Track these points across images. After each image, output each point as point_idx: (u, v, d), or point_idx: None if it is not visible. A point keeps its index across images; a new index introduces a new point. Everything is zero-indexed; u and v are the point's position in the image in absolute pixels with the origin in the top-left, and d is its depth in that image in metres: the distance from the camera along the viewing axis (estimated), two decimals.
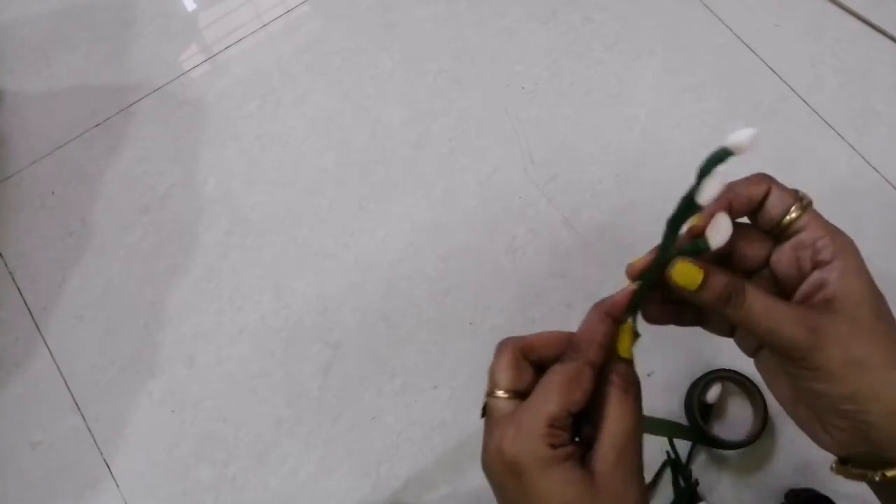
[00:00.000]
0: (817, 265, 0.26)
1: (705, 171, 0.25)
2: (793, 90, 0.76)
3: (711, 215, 0.27)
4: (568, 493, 0.25)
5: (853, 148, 0.73)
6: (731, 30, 0.80)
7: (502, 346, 0.31)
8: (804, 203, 0.27)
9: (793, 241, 0.27)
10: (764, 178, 0.29)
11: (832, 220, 0.27)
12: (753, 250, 0.29)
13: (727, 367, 0.61)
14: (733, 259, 0.29)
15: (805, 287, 0.27)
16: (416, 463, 0.61)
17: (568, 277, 0.68)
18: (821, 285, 0.26)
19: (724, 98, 0.76)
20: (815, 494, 0.58)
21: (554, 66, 0.79)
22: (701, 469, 0.60)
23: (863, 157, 0.73)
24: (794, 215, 0.27)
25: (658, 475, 0.60)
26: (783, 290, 0.28)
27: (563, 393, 0.27)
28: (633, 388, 0.28)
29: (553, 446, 0.26)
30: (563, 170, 0.73)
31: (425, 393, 0.64)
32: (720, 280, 0.26)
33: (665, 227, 0.27)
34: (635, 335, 0.30)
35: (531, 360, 0.31)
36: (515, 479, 0.26)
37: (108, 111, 0.77)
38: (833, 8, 0.81)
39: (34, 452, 0.62)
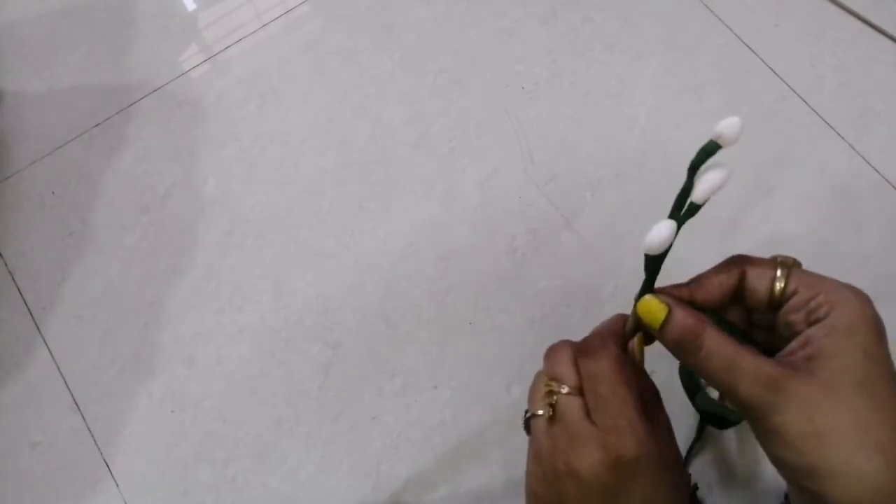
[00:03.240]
0: (812, 324, 0.24)
1: (696, 165, 0.24)
2: (793, 90, 0.76)
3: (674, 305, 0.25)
4: (672, 497, 0.25)
5: (853, 148, 0.73)
6: (731, 30, 0.80)
7: (556, 347, 0.29)
8: (788, 266, 0.25)
9: (786, 306, 0.25)
10: (736, 262, 0.26)
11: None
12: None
13: None
14: (746, 296, 0.27)
15: (793, 344, 0.24)
16: (416, 463, 0.61)
17: (568, 277, 0.68)
18: (806, 342, 0.24)
19: (724, 98, 0.76)
20: None
21: (554, 66, 0.79)
22: (700, 469, 0.60)
23: (863, 157, 0.73)
24: (780, 284, 0.25)
25: None
26: (783, 344, 0.26)
27: (628, 383, 0.26)
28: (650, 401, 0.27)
29: (656, 438, 0.25)
30: (563, 170, 0.73)
31: (425, 393, 0.64)
32: (679, 321, 0.24)
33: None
34: (645, 342, 0.29)
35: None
36: (625, 482, 0.24)
37: (108, 111, 0.77)
38: (833, 8, 0.81)
39: (34, 452, 0.62)
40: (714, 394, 0.59)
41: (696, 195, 0.24)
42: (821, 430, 0.21)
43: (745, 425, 0.62)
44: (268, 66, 0.79)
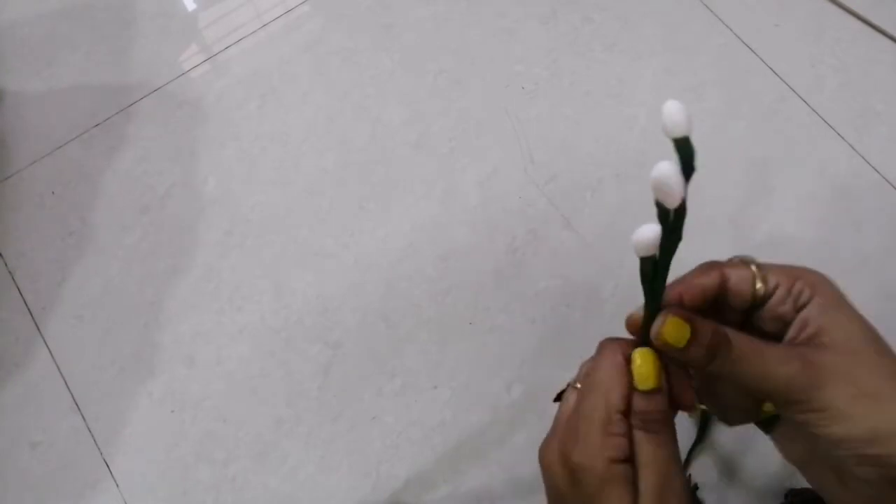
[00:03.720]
0: (800, 310, 0.24)
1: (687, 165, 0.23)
2: (793, 90, 0.76)
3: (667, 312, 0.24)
4: None
5: (853, 148, 0.73)
6: (731, 30, 0.80)
7: (605, 345, 0.28)
8: (758, 264, 0.25)
9: (770, 302, 0.25)
10: (712, 266, 0.26)
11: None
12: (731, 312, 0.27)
13: None
14: (729, 299, 0.27)
15: (790, 332, 0.24)
16: (416, 463, 0.61)
17: (568, 277, 0.68)
18: (804, 324, 0.24)
19: (724, 98, 0.76)
20: (815, 494, 0.58)
21: (554, 66, 0.79)
22: (700, 470, 0.60)
23: (863, 157, 0.73)
24: (760, 284, 0.25)
25: None
26: (775, 337, 0.26)
27: (605, 391, 0.25)
28: (659, 424, 0.25)
29: (612, 460, 0.24)
30: (563, 170, 0.73)
31: (425, 393, 0.64)
32: (707, 330, 0.24)
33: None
34: (657, 361, 0.26)
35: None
36: (572, 485, 0.25)
37: (108, 111, 0.77)
38: (833, 8, 0.81)
39: (34, 452, 0.62)
40: None
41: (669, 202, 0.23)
42: (867, 391, 0.21)
43: (742, 427, 0.62)
44: (268, 66, 0.79)
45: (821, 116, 0.75)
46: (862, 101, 0.76)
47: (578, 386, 0.27)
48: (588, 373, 0.27)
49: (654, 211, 0.26)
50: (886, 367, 0.22)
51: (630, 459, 0.25)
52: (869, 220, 0.70)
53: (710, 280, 0.26)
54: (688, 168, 0.22)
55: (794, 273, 0.25)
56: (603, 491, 0.24)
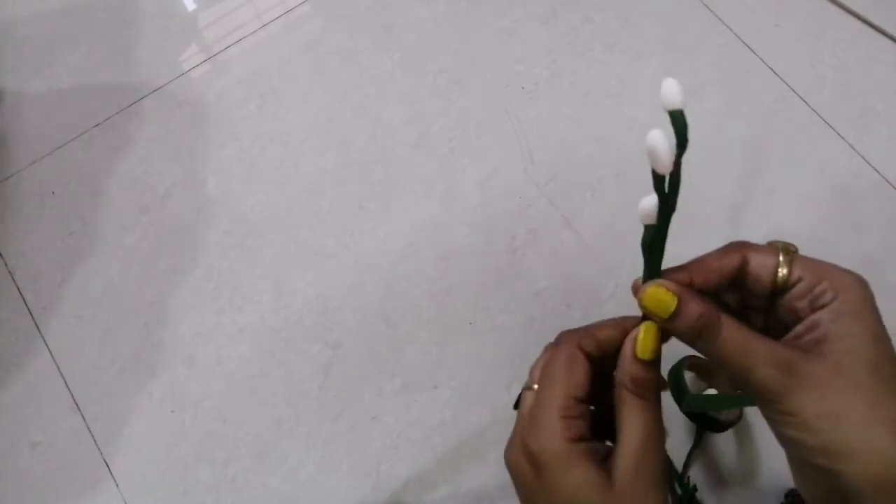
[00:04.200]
0: (817, 310, 0.24)
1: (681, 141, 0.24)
2: (793, 90, 0.76)
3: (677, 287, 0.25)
4: (584, 496, 0.24)
5: (853, 148, 0.73)
6: (731, 30, 0.80)
7: (561, 337, 0.30)
8: (790, 254, 0.25)
9: (789, 294, 0.25)
10: (736, 248, 0.26)
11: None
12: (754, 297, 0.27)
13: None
14: (748, 283, 0.27)
15: (798, 328, 0.24)
16: (416, 463, 0.61)
17: (568, 277, 0.68)
18: (813, 326, 0.24)
19: (724, 98, 0.76)
20: None
21: (554, 66, 0.79)
22: (699, 470, 0.60)
23: (863, 157, 0.73)
24: (784, 271, 0.25)
25: None
26: (785, 330, 0.26)
27: (563, 379, 0.26)
28: (650, 392, 0.26)
29: (571, 440, 0.25)
30: (563, 170, 0.73)
31: (425, 393, 0.64)
32: (694, 310, 0.24)
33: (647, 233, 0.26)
34: (663, 337, 0.27)
35: (590, 353, 0.29)
36: (536, 473, 0.26)
37: (108, 111, 0.77)
38: (833, 8, 0.81)
39: (34, 452, 0.62)
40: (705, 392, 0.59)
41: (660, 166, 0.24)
42: (835, 410, 0.22)
43: (740, 427, 0.62)
44: (268, 66, 0.79)
45: (821, 116, 0.75)
46: (862, 101, 0.76)
47: (535, 387, 0.28)
48: (544, 367, 0.28)
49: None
50: (867, 390, 0.22)
51: (591, 440, 0.26)
52: (869, 220, 0.70)
53: (730, 262, 0.26)
54: (682, 140, 0.23)
55: (825, 271, 0.24)
56: (566, 470, 0.25)
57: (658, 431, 0.25)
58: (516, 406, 0.30)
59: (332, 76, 0.79)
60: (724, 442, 0.61)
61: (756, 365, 0.23)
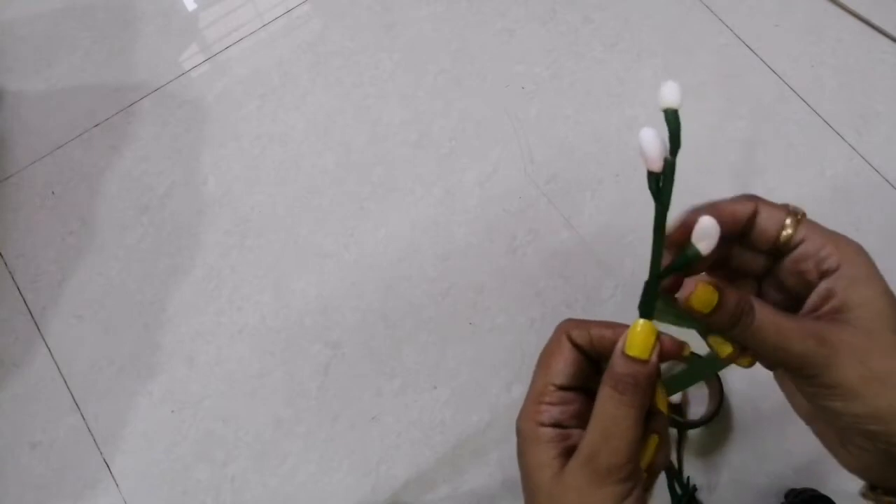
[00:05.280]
0: (824, 275, 0.24)
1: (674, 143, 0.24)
2: (793, 90, 0.76)
3: (691, 224, 0.25)
4: (537, 476, 0.26)
5: (853, 148, 0.73)
6: (731, 30, 0.80)
7: (559, 325, 0.30)
8: (798, 216, 0.25)
9: (794, 254, 0.25)
10: (750, 198, 0.27)
11: (832, 220, 0.26)
12: (753, 258, 0.27)
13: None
14: (754, 235, 0.27)
15: (813, 298, 0.25)
16: (416, 463, 0.61)
17: (568, 277, 0.68)
18: (829, 295, 0.24)
19: (724, 98, 0.76)
20: (815, 494, 0.58)
21: (554, 66, 0.79)
22: (699, 470, 0.60)
23: (863, 157, 0.73)
24: (789, 231, 0.25)
25: None
26: (790, 301, 0.27)
27: (542, 367, 0.28)
28: (628, 388, 0.26)
29: (541, 423, 0.26)
30: (563, 170, 0.73)
31: (425, 393, 0.64)
32: (732, 299, 0.24)
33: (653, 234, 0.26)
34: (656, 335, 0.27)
35: (581, 344, 0.29)
36: (517, 447, 0.27)
37: (108, 111, 0.77)
38: (833, 8, 0.81)
39: (34, 452, 0.62)
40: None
41: (651, 164, 0.24)
42: (878, 374, 0.22)
43: (740, 428, 0.62)
44: (268, 66, 0.79)
45: (821, 116, 0.75)
46: (862, 101, 0.76)
47: None
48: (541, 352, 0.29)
49: (653, 211, 0.26)
50: None
51: (570, 427, 0.26)
52: (869, 220, 0.70)
53: (743, 209, 0.26)
54: (674, 139, 0.23)
55: (829, 236, 0.25)
56: (528, 449, 0.26)
57: (623, 432, 0.25)
58: None
59: (332, 76, 0.78)
60: (723, 442, 0.61)
61: (792, 340, 0.23)
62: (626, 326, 0.28)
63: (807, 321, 0.24)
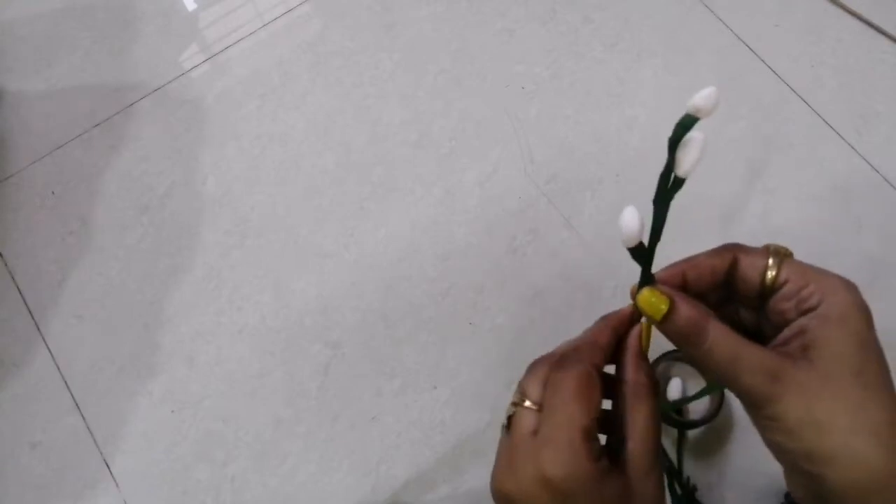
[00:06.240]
0: (803, 314, 0.24)
1: (675, 140, 0.24)
2: (793, 90, 0.76)
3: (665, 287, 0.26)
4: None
5: (853, 148, 0.73)
6: (731, 30, 0.80)
7: (536, 361, 0.30)
8: (781, 256, 0.26)
9: (776, 296, 0.25)
10: (728, 249, 0.27)
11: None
12: (747, 313, 0.28)
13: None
14: (737, 284, 0.27)
15: (785, 332, 0.25)
16: (416, 463, 0.61)
17: (568, 277, 0.68)
18: (801, 332, 0.24)
19: (725, 98, 0.76)
20: None
21: (554, 66, 0.79)
22: (699, 470, 0.60)
23: (863, 157, 0.73)
24: (773, 273, 0.25)
25: None
26: (774, 332, 0.26)
27: (584, 400, 0.25)
28: (648, 388, 0.27)
29: (595, 460, 0.25)
30: (563, 170, 0.73)
31: (425, 393, 0.64)
32: (684, 314, 0.25)
33: (653, 207, 0.27)
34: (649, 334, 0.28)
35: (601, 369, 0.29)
36: (559, 500, 0.24)
37: (108, 111, 0.77)
38: (833, 8, 0.81)
39: (34, 452, 0.62)
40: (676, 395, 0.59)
41: (681, 169, 0.25)
42: (819, 419, 0.22)
43: (740, 427, 0.62)
44: (268, 66, 0.79)
45: (821, 116, 0.75)
46: (862, 101, 0.76)
47: (531, 405, 0.27)
48: (554, 384, 0.27)
49: (652, 212, 0.27)
50: (852, 397, 0.22)
51: (602, 454, 0.26)
52: (869, 220, 0.70)
53: (721, 262, 0.27)
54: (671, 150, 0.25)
55: (813, 275, 0.25)
56: (596, 491, 0.24)
57: (659, 425, 0.26)
58: (508, 425, 0.28)
59: (332, 76, 0.79)
60: (723, 442, 0.61)
61: (743, 371, 0.23)
62: (611, 318, 0.28)
63: (767, 354, 0.24)
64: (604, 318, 0.29)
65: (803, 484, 0.24)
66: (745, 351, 0.24)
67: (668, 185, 0.25)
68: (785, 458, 0.24)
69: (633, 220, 0.25)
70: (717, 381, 0.26)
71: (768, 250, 0.26)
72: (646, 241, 0.26)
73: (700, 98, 0.23)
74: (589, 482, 0.24)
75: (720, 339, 0.24)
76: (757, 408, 0.24)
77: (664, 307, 0.25)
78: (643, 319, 0.28)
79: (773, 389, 0.23)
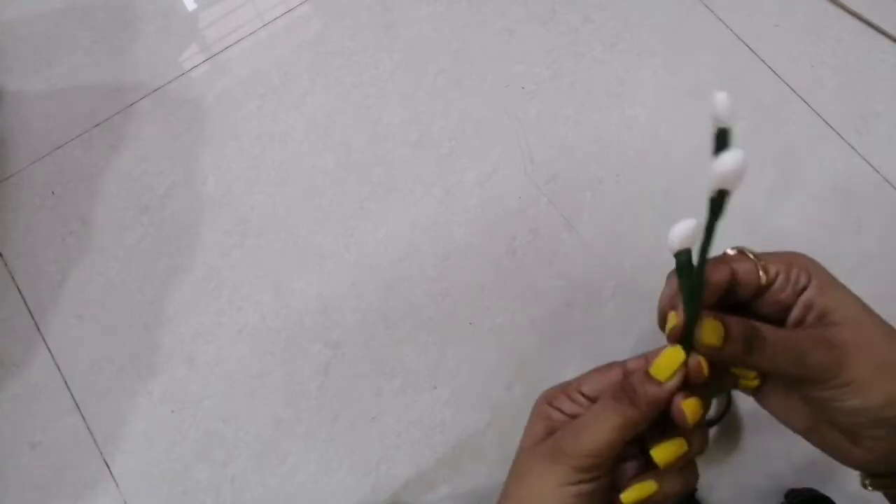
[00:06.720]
0: (800, 293, 0.26)
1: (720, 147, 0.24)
2: (793, 90, 0.76)
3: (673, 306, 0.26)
4: (522, 441, 0.28)
5: (853, 148, 0.73)
6: (731, 30, 0.80)
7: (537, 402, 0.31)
8: (756, 256, 0.27)
9: (772, 289, 0.27)
10: (719, 262, 0.28)
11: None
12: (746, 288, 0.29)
13: None
14: (738, 291, 0.28)
15: (795, 312, 0.26)
16: (416, 463, 0.61)
17: (568, 277, 0.68)
18: (808, 306, 0.26)
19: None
20: (815, 494, 0.58)
21: (554, 66, 0.79)
22: (700, 469, 0.60)
23: (863, 157, 0.73)
24: (763, 273, 0.27)
25: None
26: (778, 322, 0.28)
27: (594, 376, 0.29)
28: (624, 396, 0.27)
29: (552, 406, 0.29)
30: (563, 170, 0.73)
31: (425, 393, 0.64)
32: (738, 327, 0.25)
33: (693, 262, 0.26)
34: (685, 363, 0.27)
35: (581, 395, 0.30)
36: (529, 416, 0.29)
37: (108, 111, 0.77)
38: (833, 8, 0.81)
39: (34, 452, 0.62)
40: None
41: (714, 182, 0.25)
42: (886, 362, 0.24)
43: (740, 427, 0.62)
44: (268, 66, 0.79)
45: (821, 116, 0.75)
46: (862, 101, 0.76)
47: (581, 398, 0.30)
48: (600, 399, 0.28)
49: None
50: (887, 335, 0.24)
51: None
52: (869, 220, 0.70)
53: (722, 276, 0.27)
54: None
55: (789, 259, 0.27)
56: (530, 419, 0.29)
57: (600, 429, 0.26)
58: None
59: (332, 76, 0.78)
60: (724, 442, 0.61)
61: (806, 353, 0.25)
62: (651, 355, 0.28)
63: (810, 333, 0.25)
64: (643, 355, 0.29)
65: (881, 437, 0.25)
66: (797, 337, 0.25)
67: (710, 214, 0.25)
68: (863, 420, 0.25)
69: (685, 228, 0.25)
70: (785, 376, 0.26)
71: (742, 253, 0.28)
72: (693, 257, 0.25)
73: (718, 107, 0.23)
74: (535, 411, 0.29)
75: (775, 336, 0.25)
76: (829, 380, 0.25)
77: (721, 330, 0.25)
78: (669, 347, 0.27)
79: (836, 355, 0.24)
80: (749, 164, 0.23)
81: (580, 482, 0.26)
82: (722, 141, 0.24)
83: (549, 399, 0.30)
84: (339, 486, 0.61)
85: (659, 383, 0.26)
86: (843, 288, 0.26)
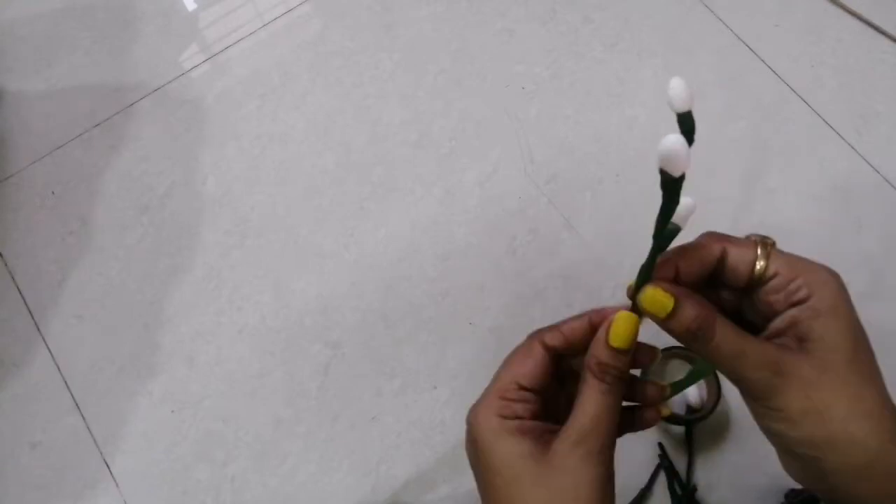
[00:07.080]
0: (793, 306, 0.25)
1: (684, 126, 0.24)
2: (793, 90, 0.76)
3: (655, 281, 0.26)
4: (516, 466, 0.26)
5: (853, 148, 0.73)
6: (731, 30, 0.80)
7: (531, 334, 0.31)
8: (767, 247, 0.27)
9: (765, 287, 0.26)
10: (716, 239, 0.28)
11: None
12: (727, 298, 0.29)
13: (678, 345, 0.61)
14: (725, 274, 0.28)
15: (777, 323, 0.26)
16: (416, 463, 0.61)
17: (568, 277, 0.68)
18: (793, 323, 0.25)
19: (725, 98, 0.76)
20: (814, 494, 0.58)
21: (554, 66, 0.79)
22: (699, 470, 0.60)
23: (863, 157, 0.73)
24: (762, 263, 0.26)
25: (652, 481, 0.60)
26: (758, 320, 0.27)
27: (509, 365, 0.28)
28: (612, 378, 0.27)
29: (503, 416, 0.27)
30: (563, 170, 0.73)
31: (425, 393, 0.64)
32: (690, 312, 0.25)
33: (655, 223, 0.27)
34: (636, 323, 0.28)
35: (555, 346, 0.29)
36: (474, 449, 0.27)
37: (108, 111, 0.77)
38: (833, 8, 0.81)
39: (34, 452, 0.62)
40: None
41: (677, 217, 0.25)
42: (819, 406, 0.23)
43: (740, 427, 0.62)
44: (268, 66, 0.79)
45: (821, 116, 0.75)
46: (862, 101, 0.76)
47: None
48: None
49: (653, 211, 0.27)
50: (849, 385, 0.24)
51: (523, 418, 0.27)
52: (869, 220, 0.70)
53: (710, 253, 0.28)
54: (689, 140, 0.24)
55: (800, 267, 0.26)
56: (496, 442, 0.26)
57: (609, 417, 0.26)
58: None
59: (332, 76, 0.79)
60: (724, 441, 0.61)
61: (747, 366, 0.24)
62: (597, 312, 0.28)
63: (768, 347, 0.25)
64: (590, 311, 0.29)
65: (801, 466, 0.25)
66: (749, 347, 0.25)
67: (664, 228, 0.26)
68: (784, 444, 0.25)
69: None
70: (727, 375, 0.26)
71: (755, 242, 0.27)
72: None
73: (672, 93, 0.23)
74: (490, 434, 0.26)
75: (726, 336, 0.25)
76: (760, 399, 0.25)
77: (670, 305, 0.25)
78: (622, 311, 0.28)
79: (776, 382, 0.24)
80: (689, 154, 0.23)
81: (612, 472, 0.26)
82: (686, 125, 0.24)
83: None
84: (339, 486, 0.61)
85: (625, 352, 0.27)
86: (843, 318, 0.24)
